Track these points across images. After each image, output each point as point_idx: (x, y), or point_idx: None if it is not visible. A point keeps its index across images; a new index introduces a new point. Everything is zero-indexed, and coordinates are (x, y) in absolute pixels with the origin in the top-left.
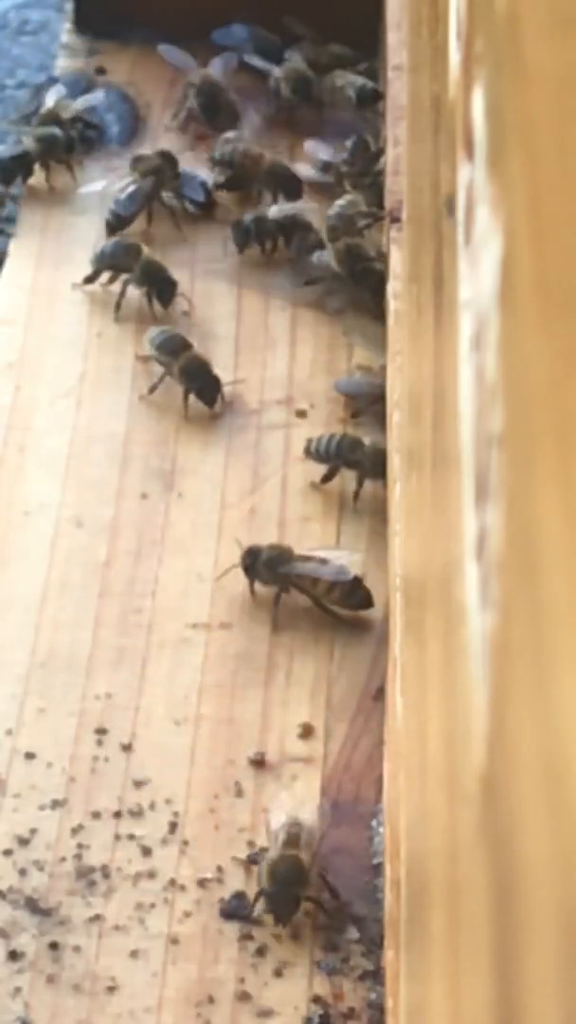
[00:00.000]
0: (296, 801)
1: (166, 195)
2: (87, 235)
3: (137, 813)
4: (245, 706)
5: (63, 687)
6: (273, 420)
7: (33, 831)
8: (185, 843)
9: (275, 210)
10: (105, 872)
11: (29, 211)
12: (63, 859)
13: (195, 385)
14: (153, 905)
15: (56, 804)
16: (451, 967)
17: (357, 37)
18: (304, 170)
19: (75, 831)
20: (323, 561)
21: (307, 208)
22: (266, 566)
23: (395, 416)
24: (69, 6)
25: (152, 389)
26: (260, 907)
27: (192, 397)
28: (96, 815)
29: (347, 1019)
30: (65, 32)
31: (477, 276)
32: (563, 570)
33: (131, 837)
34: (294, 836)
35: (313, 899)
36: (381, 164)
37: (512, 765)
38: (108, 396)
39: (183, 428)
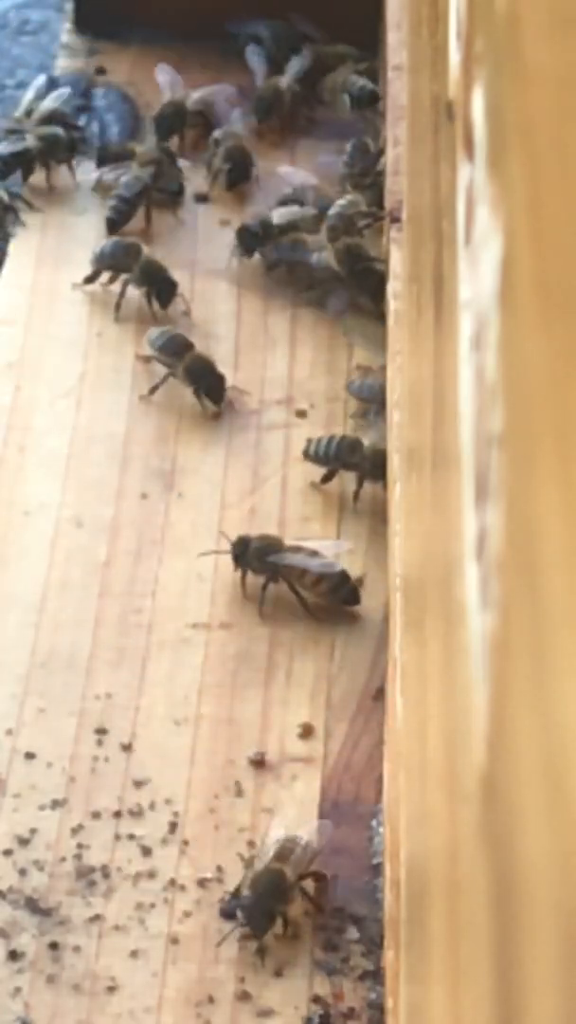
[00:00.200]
0: (297, 812)
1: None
2: (87, 235)
3: (137, 813)
4: (245, 706)
5: (63, 687)
6: (273, 420)
7: (33, 831)
8: (185, 843)
9: (278, 214)
10: (105, 872)
11: (29, 211)
12: (63, 859)
13: (201, 384)
14: (153, 905)
15: (56, 804)
16: (451, 967)
17: (357, 37)
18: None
19: (75, 831)
20: (313, 553)
21: (308, 211)
22: (256, 555)
23: (395, 416)
24: (69, 6)
25: (153, 390)
26: (240, 918)
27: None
28: (96, 815)
29: (347, 1019)
30: (65, 32)
31: (477, 276)
32: (563, 570)
33: (131, 837)
34: (285, 851)
35: (313, 901)
36: (381, 165)
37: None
38: (108, 396)
39: (183, 428)
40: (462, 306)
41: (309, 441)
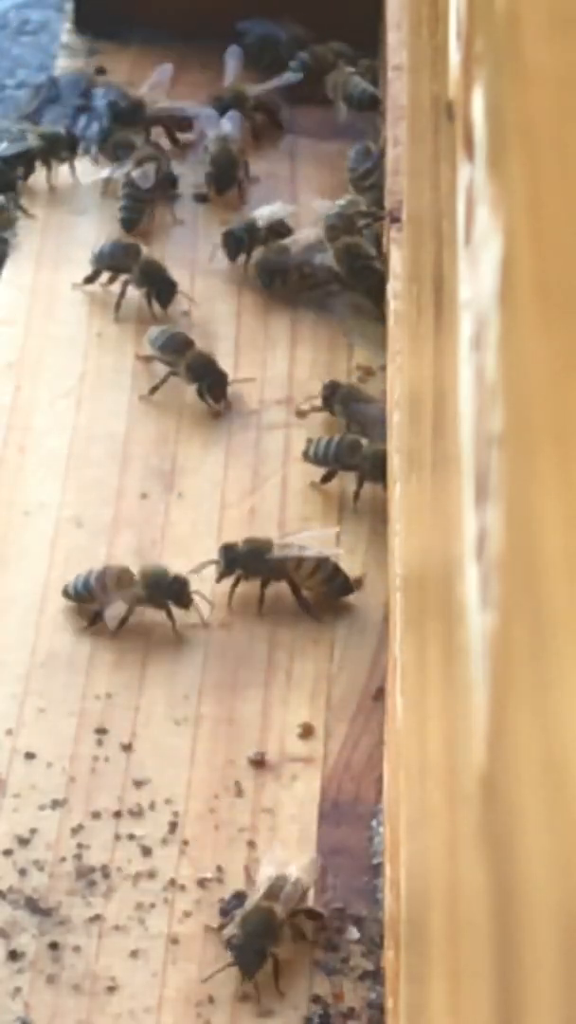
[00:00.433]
0: (297, 812)
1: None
2: (87, 235)
3: (137, 813)
4: (245, 706)
5: (63, 687)
6: (273, 420)
7: (33, 831)
8: (185, 843)
9: (263, 215)
10: (105, 872)
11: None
12: (63, 859)
13: (204, 381)
14: (153, 905)
15: (56, 804)
16: (451, 967)
17: (357, 37)
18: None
19: (75, 831)
20: (303, 546)
21: (292, 210)
22: (249, 558)
23: (395, 416)
24: (69, 6)
25: (154, 390)
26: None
27: (196, 394)
28: (96, 815)
29: (347, 1019)
30: (65, 32)
31: (477, 276)
32: (563, 570)
33: (131, 837)
34: (275, 889)
35: (315, 914)
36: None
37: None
38: (108, 396)
39: (183, 428)
40: (462, 306)
41: (309, 442)
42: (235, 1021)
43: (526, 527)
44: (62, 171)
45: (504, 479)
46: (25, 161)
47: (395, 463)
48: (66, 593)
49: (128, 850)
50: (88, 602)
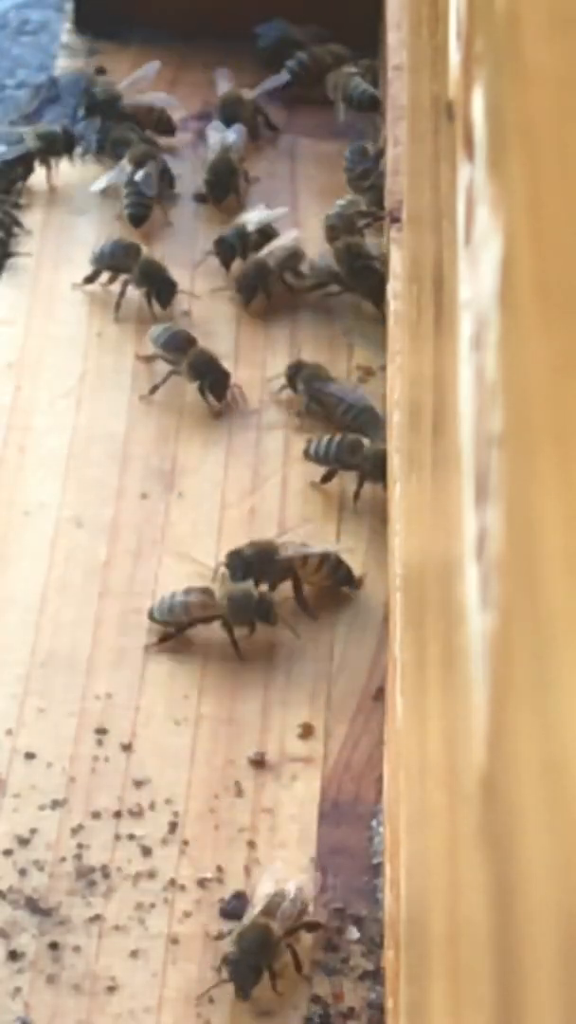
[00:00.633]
0: (297, 812)
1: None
2: (87, 235)
3: (137, 813)
4: (245, 706)
5: (63, 687)
6: (273, 420)
7: (33, 831)
8: (185, 843)
9: (253, 220)
10: (105, 872)
11: (29, 211)
12: (63, 859)
13: (206, 379)
14: (153, 905)
15: (56, 804)
16: (451, 967)
17: (357, 37)
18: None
19: (75, 831)
20: (304, 543)
21: (284, 212)
22: (257, 561)
23: (395, 416)
24: (69, 6)
25: (154, 389)
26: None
27: (197, 394)
28: (96, 815)
29: (347, 1019)
30: (65, 32)
31: (477, 276)
32: (563, 570)
33: (131, 837)
34: (273, 905)
35: (314, 925)
36: (381, 166)
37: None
38: (108, 396)
39: (183, 428)
40: (462, 306)
41: (309, 441)
42: (235, 1021)
43: (526, 527)
44: (62, 171)
45: (504, 479)
46: (24, 163)
47: (395, 463)
48: (151, 616)
49: (128, 850)
50: (171, 625)
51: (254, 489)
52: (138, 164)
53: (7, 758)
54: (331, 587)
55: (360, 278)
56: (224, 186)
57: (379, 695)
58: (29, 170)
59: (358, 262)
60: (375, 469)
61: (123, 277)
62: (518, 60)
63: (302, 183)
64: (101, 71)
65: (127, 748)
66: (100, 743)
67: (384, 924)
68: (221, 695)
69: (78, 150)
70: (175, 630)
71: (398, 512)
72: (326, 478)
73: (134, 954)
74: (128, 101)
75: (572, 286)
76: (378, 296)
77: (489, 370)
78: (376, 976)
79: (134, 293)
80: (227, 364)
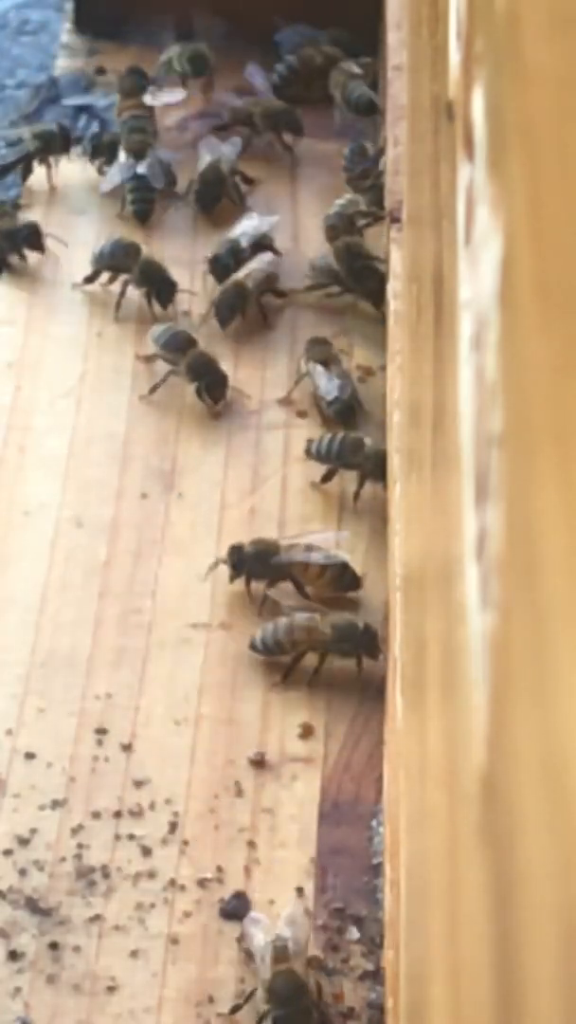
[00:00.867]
0: (297, 812)
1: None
2: (87, 235)
3: (137, 813)
4: (245, 706)
5: (63, 687)
6: (273, 420)
7: (33, 831)
8: (185, 843)
9: (247, 234)
10: (105, 872)
11: (29, 211)
12: (63, 859)
13: (203, 381)
14: (153, 905)
15: (56, 804)
16: (451, 967)
17: (357, 37)
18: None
19: (75, 831)
20: (310, 547)
21: (275, 220)
22: (256, 560)
23: (395, 416)
24: (69, 6)
25: (153, 389)
26: None
27: (196, 394)
28: (96, 815)
29: (347, 1019)
30: (65, 32)
31: (477, 276)
32: (563, 570)
33: (131, 837)
34: (281, 950)
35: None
36: (381, 165)
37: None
38: (108, 396)
39: (183, 428)
40: (462, 306)
41: (310, 440)
42: (235, 1021)
43: (526, 527)
44: (62, 171)
45: (504, 479)
46: (22, 164)
47: (395, 463)
48: (254, 647)
49: (128, 850)
50: (278, 655)
51: (254, 489)
52: (136, 155)
53: (7, 758)
54: (337, 591)
55: (360, 278)
56: (213, 195)
57: (379, 695)
58: (28, 170)
59: (358, 262)
60: (376, 468)
61: (123, 277)
62: (518, 60)
63: (302, 183)
64: (101, 71)
65: (127, 748)
66: (100, 743)
67: (384, 924)
68: (221, 695)
69: (77, 149)
70: (291, 661)
71: (398, 512)
72: (326, 478)
73: (134, 954)
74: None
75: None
76: (378, 296)
77: (489, 370)
78: (376, 976)
79: (134, 293)
80: (227, 364)
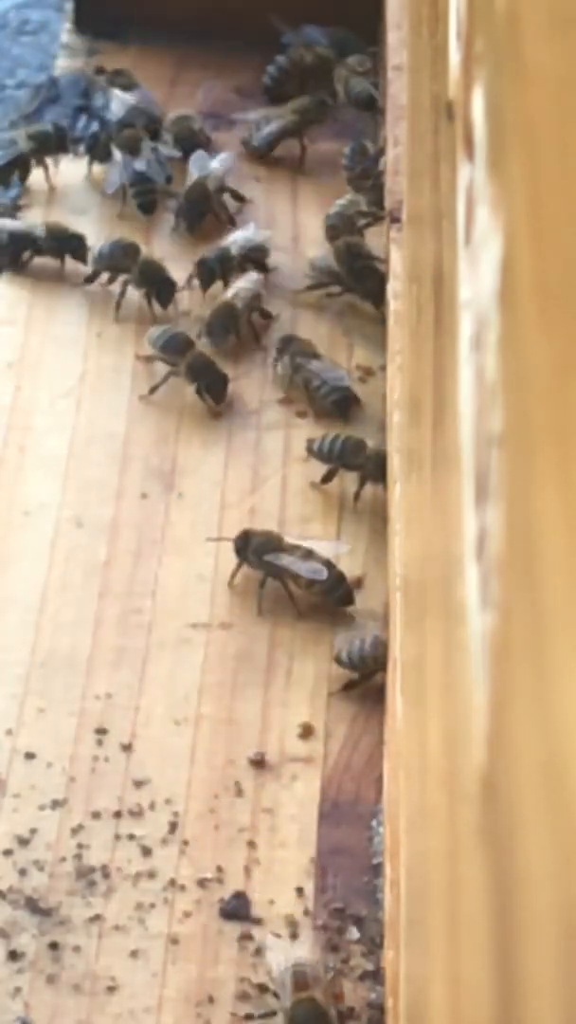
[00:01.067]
0: (297, 812)
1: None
2: (87, 235)
3: (137, 813)
4: (245, 706)
5: (63, 687)
6: (273, 420)
7: (33, 831)
8: (185, 843)
9: (236, 243)
10: (105, 872)
11: (29, 211)
12: (63, 859)
13: (203, 382)
14: (153, 905)
15: (56, 804)
16: (451, 967)
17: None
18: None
19: (75, 831)
20: (308, 554)
21: (268, 235)
22: (254, 552)
23: (395, 416)
24: (69, 6)
25: (153, 389)
26: None
27: (196, 394)
28: (96, 815)
29: (347, 1019)
30: (65, 32)
31: (477, 276)
32: (563, 570)
33: (131, 837)
34: (301, 977)
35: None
36: (381, 165)
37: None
38: (108, 396)
39: (183, 428)
40: (462, 306)
41: (311, 440)
42: (235, 1021)
43: (526, 527)
44: (62, 171)
45: (504, 479)
46: (20, 165)
47: (395, 463)
48: (339, 661)
49: (128, 850)
50: (362, 671)
51: (254, 489)
52: (131, 151)
53: (7, 758)
54: (328, 604)
55: (360, 278)
56: (197, 212)
57: (379, 695)
58: (26, 171)
59: (358, 262)
60: (377, 470)
61: (123, 277)
62: (518, 60)
63: (302, 183)
64: (101, 71)
65: (127, 748)
66: (100, 743)
67: (384, 924)
68: (221, 695)
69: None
70: (359, 677)
71: (398, 512)
72: (326, 478)
73: (134, 954)
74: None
75: (572, 286)
76: (378, 296)
77: (489, 370)
78: (376, 976)
79: (134, 293)
80: (226, 364)
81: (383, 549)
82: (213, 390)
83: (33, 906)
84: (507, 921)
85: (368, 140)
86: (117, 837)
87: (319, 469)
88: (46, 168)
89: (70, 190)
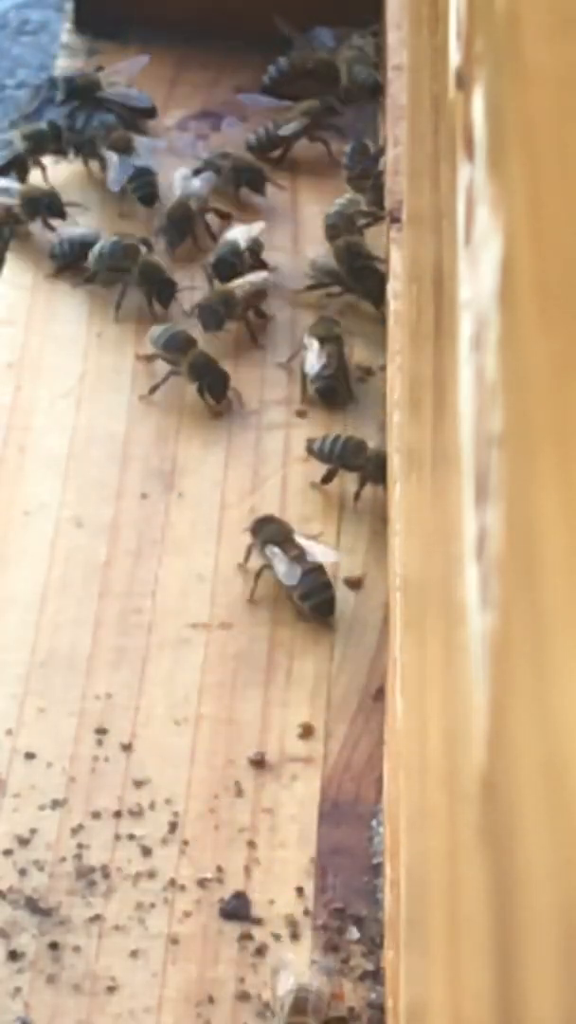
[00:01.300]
0: (297, 812)
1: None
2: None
3: (137, 813)
4: (245, 706)
5: (63, 687)
6: (273, 420)
7: (33, 831)
8: (185, 843)
9: (239, 239)
10: (105, 872)
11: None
12: (63, 859)
13: (204, 381)
14: (153, 905)
15: (56, 804)
16: (451, 967)
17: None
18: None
19: (75, 831)
20: (298, 556)
21: (270, 278)
22: (263, 540)
23: (395, 416)
24: (69, 6)
25: (153, 389)
26: None
27: (196, 394)
28: (96, 815)
29: (347, 1019)
30: (65, 32)
31: (477, 276)
32: (563, 570)
33: (131, 837)
34: (301, 1001)
35: (342, 1020)
36: (381, 165)
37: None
38: (108, 396)
39: (183, 428)
40: (462, 306)
41: (311, 439)
42: (235, 1021)
43: (526, 527)
44: (62, 171)
45: (504, 479)
46: (17, 166)
47: (395, 463)
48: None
49: (128, 850)
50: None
51: (254, 489)
52: (122, 150)
53: (7, 758)
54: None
55: (360, 278)
56: (179, 232)
57: (379, 695)
58: (24, 171)
59: (358, 262)
60: (378, 471)
61: (123, 277)
62: (518, 60)
63: (302, 183)
64: (101, 71)
65: (127, 748)
66: (100, 743)
67: (384, 924)
68: (221, 695)
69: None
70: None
71: (398, 512)
72: (326, 478)
73: (134, 954)
74: (106, 93)
75: (572, 286)
76: (378, 296)
77: (489, 370)
78: (376, 976)
79: (134, 293)
80: (227, 364)
81: (383, 549)
82: (214, 389)
83: (33, 906)
84: (507, 921)
85: (368, 139)
86: (117, 837)
87: (319, 469)
88: (43, 169)
89: (70, 190)
